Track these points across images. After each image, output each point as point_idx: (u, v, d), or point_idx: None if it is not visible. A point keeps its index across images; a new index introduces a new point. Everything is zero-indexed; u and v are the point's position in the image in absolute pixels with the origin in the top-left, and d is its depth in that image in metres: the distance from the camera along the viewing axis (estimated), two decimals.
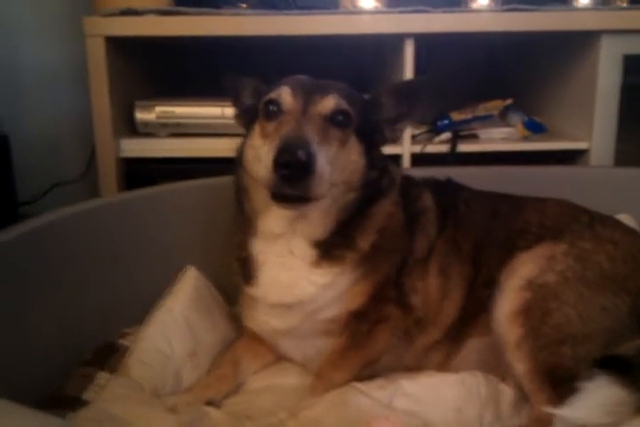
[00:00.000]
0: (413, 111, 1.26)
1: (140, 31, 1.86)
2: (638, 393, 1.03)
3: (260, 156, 1.10)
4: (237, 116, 1.32)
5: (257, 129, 1.17)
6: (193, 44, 2.04)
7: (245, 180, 1.22)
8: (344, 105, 1.13)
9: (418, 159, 2.02)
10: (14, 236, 1.15)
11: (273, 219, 1.19)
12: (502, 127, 2.18)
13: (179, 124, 2.02)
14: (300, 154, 0.98)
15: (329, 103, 1.12)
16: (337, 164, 1.10)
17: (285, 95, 1.13)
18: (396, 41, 1.96)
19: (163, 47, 2.26)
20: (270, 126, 1.12)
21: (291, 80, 1.18)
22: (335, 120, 1.12)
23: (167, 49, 2.31)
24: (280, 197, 1.04)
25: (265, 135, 1.13)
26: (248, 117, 1.25)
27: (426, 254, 1.31)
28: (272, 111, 1.13)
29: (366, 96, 1.25)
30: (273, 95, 1.14)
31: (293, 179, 1.00)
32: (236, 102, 1.33)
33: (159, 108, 2.01)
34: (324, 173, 1.03)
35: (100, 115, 1.92)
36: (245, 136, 1.23)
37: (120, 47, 1.95)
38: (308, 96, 1.13)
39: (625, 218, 1.66)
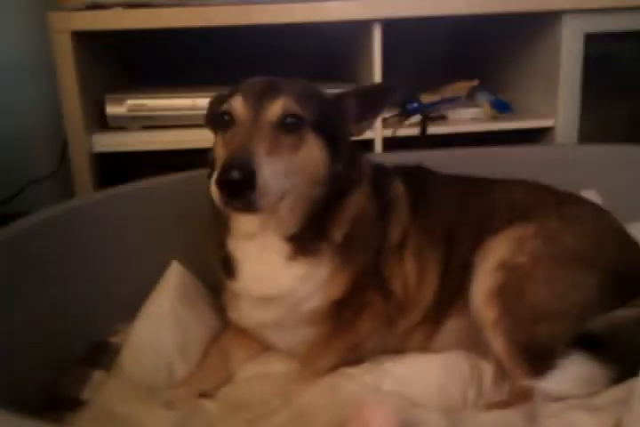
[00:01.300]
0: (378, 115, 1.31)
1: (107, 25, 1.85)
2: (610, 366, 1.10)
3: None
4: (206, 122, 1.34)
5: (219, 138, 1.20)
6: (163, 34, 2.03)
7: None
8: (293, 107, 1.15)
9: (389, 143, 2.06)
10: (4, 236, 1.17)
11: (245, 220, 1.22)
12: (470, 108, 2.23)
13: (150, 117, 2.02)
14: (235, 174, 1.02)
15: (276, 109, 1.14)
16: (292, 167, 1.13)
17: (237, 105, 1.15)
18: (364, 26, 1.98)
19: (131, 39, 2.24)
20: (227, 136, 1.15)
21: (244, 86, 1.19)
22: (285, 124, 1.14)
23: (137, 41, 2.29)
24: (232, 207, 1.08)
25: (223, 145, 1.15)
26: (213, 125, 1.27)
27: (400, 241, 1.35)
28: (227, 121, 1.16)
29: (330, 95, 1.27)
30: (226, 105, 1.17)
31: (234, 196, 1.04)
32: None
33: (130, 102, 2.00)
34: (269, 186, 1.05)
35: (71, 110, 1.90)
36: (215, 141, 1.25)
37: (88, 41, 1.93)
38: (257, 103, 1.14)
39: (589, 194, 1.72)
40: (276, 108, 1.14)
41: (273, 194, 1.08)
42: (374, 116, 1.31)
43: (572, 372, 1.12)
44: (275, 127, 1.13)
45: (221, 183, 1.03)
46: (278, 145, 1.11)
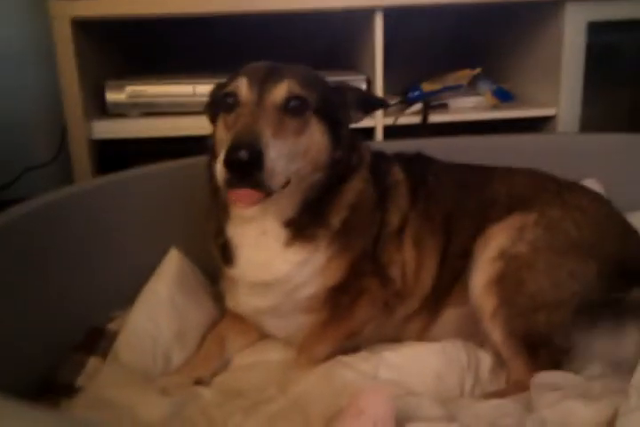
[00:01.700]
0: (366, 117, 1.31)
1: (107, 12, 1.84)
2: None
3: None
4: (205, 110, 1.32)
5: (221, 121, 1.18)
6: (161, 21, 2.02)
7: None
8: (297, 90, 1.14)
9: (390, 131, 2.05)
10: (1, 222, 1.17)
11: None
12: (472, 96, 2.22)
13: (150, 104, 2.01)
14: (243, 154, 1.00)
15: (281, 91, 1.13)
16: (296, 150, 1.12)
17: (241, 87, 1.14)
18: (365, 14, 1.97)
19: (132, 26, 2.23)
20: (230, 119, 1.14)
21: (248, 69, 1.19)
22: (290, 107, 1.13)
23: (137, 27, 2.28)
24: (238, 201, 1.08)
25: (227, 128, 1.14)
26: (214, 110, 1.25)
27: (399, 227, 1.34)
28: (230, 104, 1.15)
29: (332, 82, 1.27)
30: (230, 88, 1.16)
31: (242, 176, 1.03)
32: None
33: (130, 88, 1.99)
34: (276, 166, 1.05)
35: (70, 97, 1.90)
36: (215, 127, 1.24)
37: (88, 28, 1.92)
38: (262, 86, 1.13)
39: (591, 183, 1.71)
40: (280, 91, 1.13)
41: (280, 175, 1.07)
42: (364, 115, 1.31)
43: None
44: (279, 110, 1.12)
45: (229, 163, 1.02)
46: (283, 128, 1.11)
